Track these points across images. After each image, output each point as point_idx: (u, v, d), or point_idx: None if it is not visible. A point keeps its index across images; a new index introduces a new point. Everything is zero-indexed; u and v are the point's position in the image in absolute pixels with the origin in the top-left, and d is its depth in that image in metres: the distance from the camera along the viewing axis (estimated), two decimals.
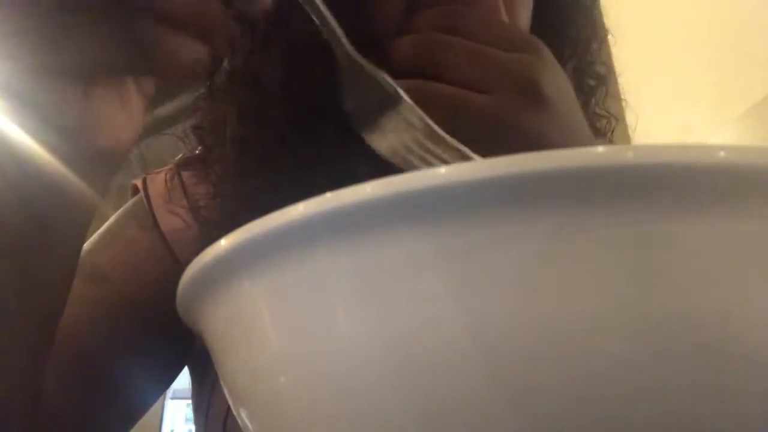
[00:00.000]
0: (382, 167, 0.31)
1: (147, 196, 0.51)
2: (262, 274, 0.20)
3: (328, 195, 0.18)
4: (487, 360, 0.17)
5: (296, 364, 0.20)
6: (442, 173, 0.17)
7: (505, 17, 0.43)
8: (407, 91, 0.37)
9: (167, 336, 0.46)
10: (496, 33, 0.40)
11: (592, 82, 0.58)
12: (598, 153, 0.17)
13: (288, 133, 0.45)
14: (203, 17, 0.27)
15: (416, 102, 0.37)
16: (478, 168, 0.17)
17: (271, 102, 0.45)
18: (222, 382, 0.24)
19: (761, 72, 1.32)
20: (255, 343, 0.21)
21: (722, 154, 0.16)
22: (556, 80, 0.41)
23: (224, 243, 0.20)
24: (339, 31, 0.34)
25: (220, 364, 0.24)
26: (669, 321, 0.16)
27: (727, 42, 1.41)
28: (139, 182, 0.52)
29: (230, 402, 0.24)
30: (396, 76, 0.38)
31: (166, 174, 0.52)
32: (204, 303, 0.22)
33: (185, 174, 0.51)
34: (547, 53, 0.41)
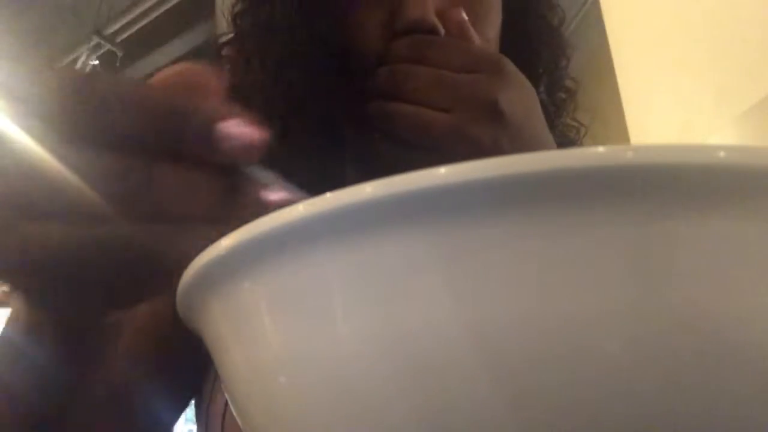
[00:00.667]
0: (373, 169, 0.32)
1: None
2: (262, 274, 0.20)
3: (328, 195, 0.18)
4: (488, 361, 0.17)
5: (296, 365, 0.20)
6: (442, 173, 0.17)
7: (476, 39, 0.47)
8: (373, 112, 0.44)
9: (184, 357, 0.47)
10: (459, 57, 0.45)
11: (563, 96, 0.64)
12: (598, 153, 0.17)
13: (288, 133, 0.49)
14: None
15: (379, 120, 0.43)
16: (478, 168, 0.17)
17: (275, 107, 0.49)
18: (221, 382, 0.24)
19: (761, 72, 1.32)
20: (254, 343, 0.21)
21: (722, 154, 0.16)
22: (517, 96, 0.45)
23: (224, 243, 0.20)
24: None
25: (220, 364, 0.23)
26: (669, 321, 0.16)
27: (727, 42, 1.41)
28: None
29: (229, 402, 0.24)
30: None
31: None
32: (204, 303, 0.22)
33: None
34: (510, 71, 0.45)
